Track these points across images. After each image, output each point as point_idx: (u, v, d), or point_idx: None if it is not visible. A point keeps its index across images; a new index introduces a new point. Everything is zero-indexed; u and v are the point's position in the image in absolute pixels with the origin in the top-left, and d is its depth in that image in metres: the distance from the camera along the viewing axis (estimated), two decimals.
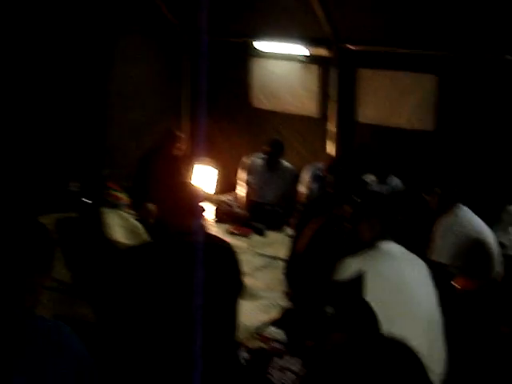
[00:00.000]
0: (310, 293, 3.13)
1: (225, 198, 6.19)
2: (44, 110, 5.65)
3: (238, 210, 5.89)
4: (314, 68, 6.33)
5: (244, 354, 2.78)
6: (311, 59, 6.29)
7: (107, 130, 6.18)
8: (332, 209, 3.65)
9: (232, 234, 5.42)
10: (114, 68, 6.18)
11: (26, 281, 1.60)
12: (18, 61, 5.41)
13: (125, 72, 6.28)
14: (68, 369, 1.53)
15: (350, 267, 2.60)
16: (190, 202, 2.55)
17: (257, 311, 3.81)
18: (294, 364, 2.72)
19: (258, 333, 3.30)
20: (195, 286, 2.30)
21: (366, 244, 2.79)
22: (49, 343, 1.53)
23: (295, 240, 3.96)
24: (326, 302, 2.66)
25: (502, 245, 4.39)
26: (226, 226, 5.57)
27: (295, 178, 6.02)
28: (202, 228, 2.64)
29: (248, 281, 4.33)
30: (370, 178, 5.47)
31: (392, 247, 2.78)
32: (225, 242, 2.81)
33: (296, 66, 6.45)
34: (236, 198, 6.17)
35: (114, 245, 4.12)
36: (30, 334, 1.53)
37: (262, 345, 2.96)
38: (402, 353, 1.31)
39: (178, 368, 2.24)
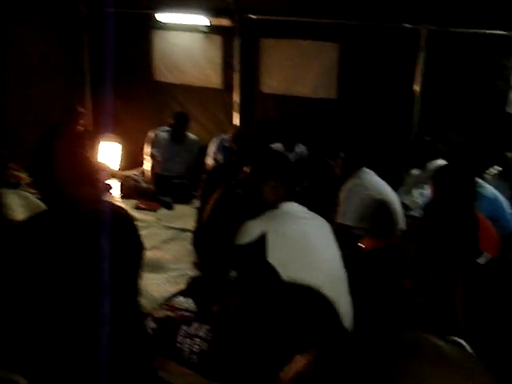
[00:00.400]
0: (215, 259, 3.12)
1: (131, 173, 6.07)
2: None
3: (144, 185, 5.80)
4: (216, 39, 6.27)
5: (151, 324, 2.74)
6: (213, 30, 6.22)
7: (5, 109, 5.91)
8: (236, 176, 3.63)
9: (139, 208, 5.34)
10: (11, 45, 5.92)
11: None
12: None
13: (23, 49, 6.03)
14: None
15: (252, 230, 2.60)
16: (86, 172, 2.48)
17: (165, 283, 3.77)
18: (202, 330, 2.70)
19: (166, 303, 3.26)
20: (92, 254, 2.25)
21: (268, 206, 2.79)
22: None
23: (200, 210, 3.93)
24: (230, 267, 2.66)
25: (404, 206, 4.52)
26: (133, 202, 5.47)
27: (201, 150, 5.98)
28: (98, 197, 2.57)
29: (156, 254, 4.33)
30: (277, 146, 5.51)
31: (294, 207, 2.79)
32: (121, 208, 2.73)
33: (198, 37, 6.37)
34: (142, 172, 6.07)
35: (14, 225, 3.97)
36: None
37: (170, 313, 2.92)
38: (309, 296, 1.31)
39: (83, 340, 2.19)
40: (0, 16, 5.77)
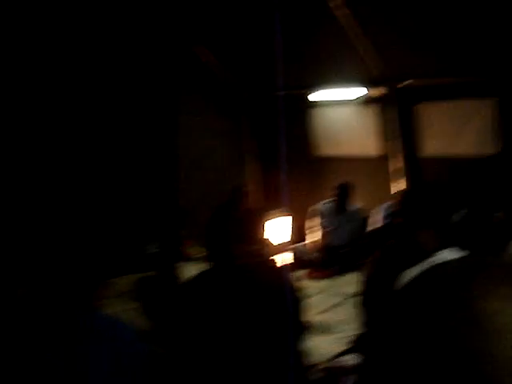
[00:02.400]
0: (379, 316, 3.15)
1: (301, 245, 6.34)
2: (119, 176, 6.01)
3: (311, 256, 6.01)
4: (371, 108, 6.44)
5: (316, 374, 2.83)
6: (367, 100, 6.41)
7: (179, 193, 6.45)
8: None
9: (310, 277, 5.56)
10: (179, 132, 6.52)
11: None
12: (94, 125, 5.82)
13: (189, 135, 6.61)
14: (116, 360, 1.66)
15: (406, 277, 2.62)
16: (249, 229, 2.70)
17: (333, 343, 3.86)
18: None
19: (332, 359, 3.34)
20: (253, 310, 2.42)
21: (427, 254, 2.80)
22: (101, 336, 1.68)
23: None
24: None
25: None
26: (303, 271, 5.68)
27: (364, 219, 6.07)
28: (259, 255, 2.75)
29: (325, 317, 4.48)
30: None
31: (447, 254, 2.78)
32: (281, 267, 2.92)
33: (352, 109, 6.59)
34: (307, 245, 6.30)
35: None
36: (85, 327, 1.69)
37: (333, 366, 3.00)
38: None
39: None
40: (178, 109, 6.41)
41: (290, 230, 6.77)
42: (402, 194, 5.82)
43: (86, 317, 1.76)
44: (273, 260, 5.77)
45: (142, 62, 6.11)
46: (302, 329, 2.98)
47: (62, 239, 1.94)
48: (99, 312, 1.84)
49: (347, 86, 6.27)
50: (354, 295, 4.78)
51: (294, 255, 6.05)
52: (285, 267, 2.87)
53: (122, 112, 6.09)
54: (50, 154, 5.57)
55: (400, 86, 6.07)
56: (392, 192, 6.24)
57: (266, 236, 5.90)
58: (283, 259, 5.94)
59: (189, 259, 5.19)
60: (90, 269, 1.89)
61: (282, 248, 6.21)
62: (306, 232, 6.37)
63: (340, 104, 6.66)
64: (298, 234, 6.75)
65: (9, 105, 5.25)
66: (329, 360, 3.36)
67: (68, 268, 1.84)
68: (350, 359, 3.28)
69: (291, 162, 7.00)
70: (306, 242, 6.40)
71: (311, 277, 5.58)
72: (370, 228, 5.92)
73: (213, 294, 2.51)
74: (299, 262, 5.94)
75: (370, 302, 3.82)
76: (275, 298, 2.49)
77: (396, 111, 6.19)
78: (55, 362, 1.63)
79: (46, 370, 1.61)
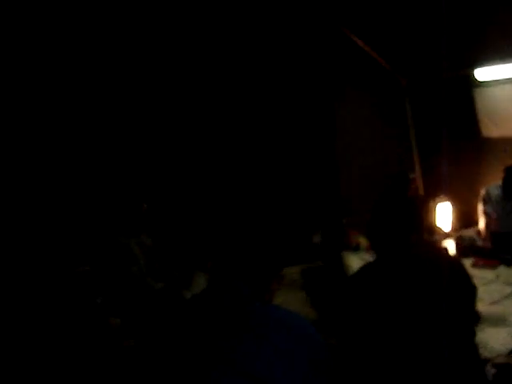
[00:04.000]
0: None
1: (465, 232, 6.08)
2: (281, 168, 6.15)
3: (480, 243, 5.74)
4: None
5: (491, 370, 2.73)
6: None
7: (339, 181, 6.47)
8: None
9: (477, 266, 5.29)
10: (338, 119, 6.51)
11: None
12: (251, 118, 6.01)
13: (348, 121, 6.58)
14: (299, 353, 1.69)
15: None
16: (418, 217, 2.67)
17: (506, 336, 3.68)
18: None
19: (508, 354, 3.20)
20: (428, 295, 2.38)
21: None
22: (280, 328, 1.72)
23: None
24: None
25: None
26: (470, 260, 5.45)
27: None
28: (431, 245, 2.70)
29: (496, 308, 4.26)
30: None
31: None
32: (453, 256, 2.83)
33: None
34: (478, 231, 6.02)
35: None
36: (261, 318, 1.74)
37: (510, 361, 2.87)
38: None
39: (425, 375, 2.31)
40: (334, 97, 6.43)
41: (452, 216, 6.57)
42: None
43: (262, 307, 1.82)
44: (445, 248, 5.64)
45: (298, 48, 6.18)
46: (478, 319, 2.89)
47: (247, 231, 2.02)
48: (273, 304, 1.90)
49: None
50: None
51: (458, 243, 5.83)
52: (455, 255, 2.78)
53: (283, 101, 6.21)
54: (214, 147, 5.85)
55: None
56: None
57: (433, 224, 5.80)
58: (448, 247, 5.77)
59: (352, 249, 5.20)
60: (267, 260, 1.96)
61: (447, 236, 6.04)
62: (472, 219, 6.13)
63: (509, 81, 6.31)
64: (462, 220, 6.53)
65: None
66: (502, 355, 3.22)
67: (250, 259, 1.92)
68: None
69: (455, 145, 6.85)
70: (471, 229, 6.16)
71: (477, 265, 5.33)
72: None
73: (384, 284, 2.50)
74: (464, 250, 5.72)
75: None
76: (451, 288, 2.44)
77: None
78: (230, 352, 1.68)
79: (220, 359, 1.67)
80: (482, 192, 5.97)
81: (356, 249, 5.23)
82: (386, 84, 7.03)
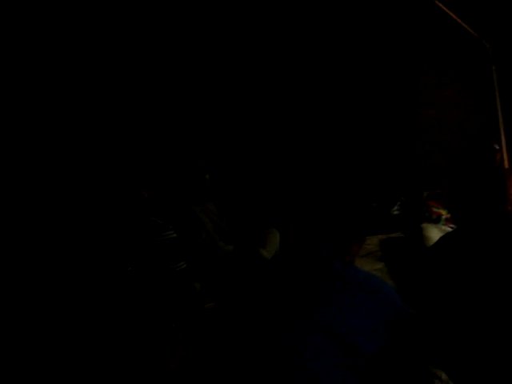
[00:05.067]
0: None
1: None
2: (364, 138, 6.13)
3: None
4: None
5: None
6: None
7: (421, 153, 6.38)
8: None
9: None
10: (421, 90, 6.40)
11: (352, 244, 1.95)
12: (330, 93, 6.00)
13: (430, 92, 6.45)
14: (377, 312, 1.71)
15: None
16: (504, 190, 2.63)
17: None
18: None
19: None
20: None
21: None
22: (362, 290, 1.75)
23: None
24: None
25: None
26: None
27: None
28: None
29: None
30: None
31: None
32: None
33: None
34: None
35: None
36: (342, 278, 1.78)
37: None
38: None
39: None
40: (414, 67, 6.31)
41: None
42: None
43: (343, 268, 1.85)
44: None
45: (383, 15, 6.09)
46: None
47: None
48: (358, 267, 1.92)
49: None
50: None
51: None
52: None
53: (365, 70, 6.17)
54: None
55: None
56: None
57: None
58: None
59: (433, 221, 5.14)
60: (349, 223, 1.98)
61: None
62: None
63: None
64: None
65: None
66: None
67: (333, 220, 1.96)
68: None
69: None
70: None
71: None
72: None
73: (465, 256, 2.48)
74: None
75: None
76: None
77: None
78: (313, 309, 1.72)
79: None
80: None
81: (436, 221, 5.17)
82: (472, 52, 6.81)
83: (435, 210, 5.36)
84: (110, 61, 5.35)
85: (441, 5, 6.07)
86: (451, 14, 6.32)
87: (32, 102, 4.91)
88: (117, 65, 5.40)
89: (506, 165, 6.27)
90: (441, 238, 2.75)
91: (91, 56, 5.19)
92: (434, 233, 4.68)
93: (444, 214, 5.23)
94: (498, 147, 6.02)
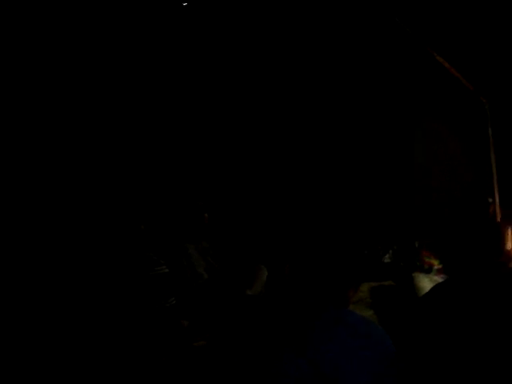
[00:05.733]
0: None
1: None
2: (360, 185, 6.16)
3: None
4: None
5: None
6: None
7: (415, 202, 6.41)
8: None
9: None
10: (417, 140, 6.47)
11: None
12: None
13: (426, 142, 6.52)
14: (370, 358, 1.70)
15: None
16: (496, 241, 2.64)
17: None
18: None
19: None
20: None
21: None
22: (353, 333, 1.75)
23: None
24: None
25: None
26: None
27: None
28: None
29: None
30: None
31: None
32: None
33: None
34: None
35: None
36: (334, 321, 1.78)
37: None
38: None
39: None
40: (411, 119, 6.39)
41: None
42: None
43: (340, 311, 1.85)
44: None
45: (381, 67, 6.18)
46: None
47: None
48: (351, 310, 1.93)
49: None
50: None
51: None
52: None
53: (363, 119, 6.23)
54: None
55: None
56: None
57: (509, 251, 5.64)
58: None
59: (424, 270, 5.15)
60: (346, 268, 1.99)
61: None
62: None
63: None
64: None
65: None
66: None
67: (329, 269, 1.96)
68: None
69: None
70: None
71: None
72: None
73: (456, 308, 2.48)
74: None
75: None
76: None
77: None
78: (302, 339, 1.73)
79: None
80: None
81: (428, 271, 5.17)
82: (468, 105, 6.91)
83: (427, 259, 5.37)
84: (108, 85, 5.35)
85: (441, 59, 6.18)
86: (450, 68, 6.43)
87: (28, 109, 4.87)
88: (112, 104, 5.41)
89: (499, 218, 6.30)
90: (432, 289, 2.75)
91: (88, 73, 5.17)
92: (425, 282, 4.67)
93: (436, 264, 5.23)
94: (491, 200, 6.06)
